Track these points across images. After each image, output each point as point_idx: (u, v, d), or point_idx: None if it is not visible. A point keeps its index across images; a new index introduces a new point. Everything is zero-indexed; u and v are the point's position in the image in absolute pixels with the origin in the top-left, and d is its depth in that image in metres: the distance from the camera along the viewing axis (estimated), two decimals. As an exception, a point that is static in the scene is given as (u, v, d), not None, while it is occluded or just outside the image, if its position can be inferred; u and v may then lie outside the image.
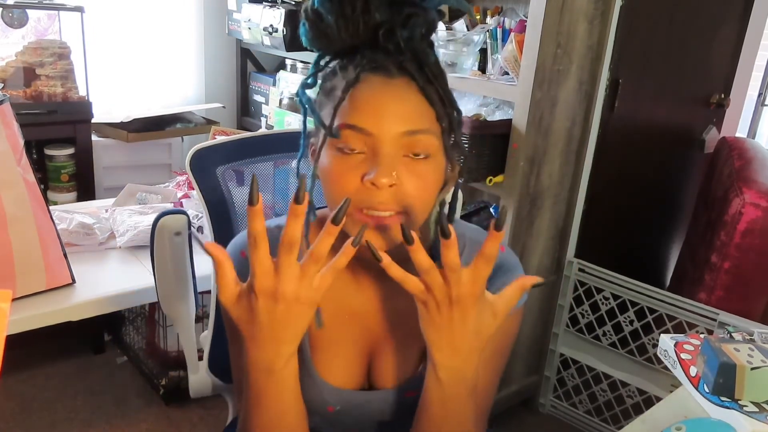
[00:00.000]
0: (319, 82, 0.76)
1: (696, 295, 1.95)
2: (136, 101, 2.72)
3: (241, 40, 2.86)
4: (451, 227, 0.64)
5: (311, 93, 0.77)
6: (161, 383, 2.05)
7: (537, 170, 1.82)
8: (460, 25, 1.93)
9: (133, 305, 2.06)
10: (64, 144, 2.31)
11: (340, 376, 0.84)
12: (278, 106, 2.65)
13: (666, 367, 1.05)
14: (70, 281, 1.40)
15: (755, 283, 1.91)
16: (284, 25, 2.39)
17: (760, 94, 3.45)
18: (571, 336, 2.05)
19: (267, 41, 2.52)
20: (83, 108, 2.29)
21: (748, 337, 1.02)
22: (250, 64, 3.02)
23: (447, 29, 1.89)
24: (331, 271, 0.65)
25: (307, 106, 0.74)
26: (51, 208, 1.41)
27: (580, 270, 1.97)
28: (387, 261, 0.67)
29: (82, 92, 2.31)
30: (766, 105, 3.49)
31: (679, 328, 1.75)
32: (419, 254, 0.65)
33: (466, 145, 1.71)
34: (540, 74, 1.68)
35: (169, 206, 1.83)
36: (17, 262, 1.29)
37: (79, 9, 2.25)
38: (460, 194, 0.81)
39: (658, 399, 1.66)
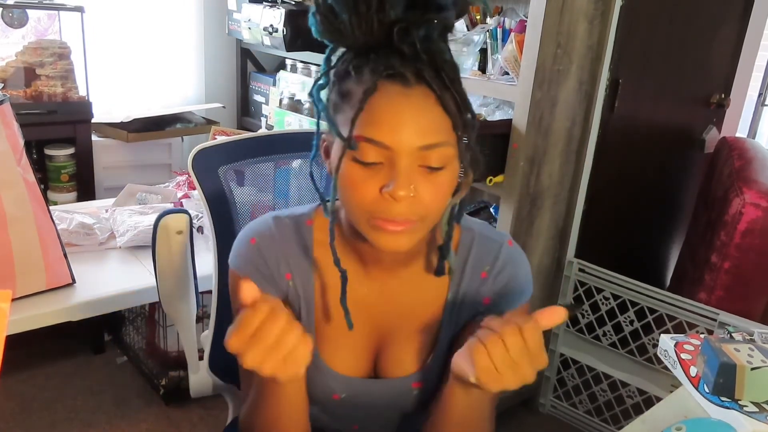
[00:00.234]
0: (332, 79, 0.75)
1: (696, 295, 1.95)
2: (136, 101, 2.72)
3: (241, 40, 2.86)
4: None
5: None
6: (161, 383, 2.05)
7: (537, 170, 1.82)
8: (460, 25, 1.93)
9: (133, 305, 2.06)
10: (64, 144, 2.31)
11: (346, 365, 0.86)
12: (278, 106, 2.65)
13: (666, 367, 1.05)
14: (70, 281, 1.40)
15: (755, 283, 1.91)
16: (284, 25, 2.39)
17: (760, 94, 3.44)
18: (571, 336, 2.05)
19: (267, 41, 2.52)
20: (83, 108, 2.29)
21: (748, 337, 1.02)
22: (250, 64, 3.02)
23: (447, 29, 1.89)
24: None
25: (323, 113, 0.75)
26: (51, 208, 1.41)
27: (580, 270, 1.97)
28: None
29: (82, 92, 2.31)
30: (766, 105, 3.49)
31: (679, 328, 1.75)
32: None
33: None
34: (540, 74, 1.68)
35: (170, 206, 1.83)
36: (17, 262, 1.29)
37: (79, 9, 2.25)
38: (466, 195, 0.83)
39: (658, 399, 1.66)
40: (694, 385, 0.95)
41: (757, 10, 2.50)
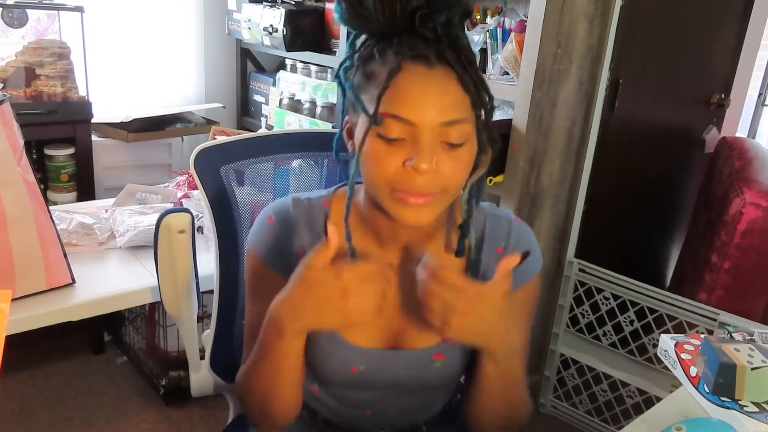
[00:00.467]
0: (356, 63, 0.79)
1: (696, 295, 1.94)
2: (136, 101, 2.71)
3: (241, 40, 2.86)
4: None
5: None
6: (161, 383, 2.05)
7: (537, 170, 1.82)
8: (460, 25, 1.92)
9: (133, 305, 2.04)
10: (64, 144, 2.31)
11: (364, 338, 0.87)
12: (278, 106, 2.65)
13: (666, 367, 1.05)
14: (70, 281, 1.40)
15: (755, 283, 1.91)
16: (284, 25, 2.39)
17: (760, 94, 3.44)
18: (571, 336, 2.05)
19: (267, 41, 2.52)
20: (83, 108, 2.29)
21: (749, 337, 1.02)
22: (250, 64, 3.02)
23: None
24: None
25: (350, 92, 0.79)
26: (51, 208, 1.41)
27: (581, 270, 1.97)
28: None
29: (82, 92, 2.31)
30: (766, 105, 3.48)
31: (679, 328, 1.75)
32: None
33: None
34: (540, 74, 1.69)
35: (170, 206, 1.82)
36: (17, 262, 1.29)
37: (79, 9, 2.25)
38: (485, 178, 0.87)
39: (658, 399, 1.66)
40: (694, 385, 0.95)
41: (757, 10, 2.50)
